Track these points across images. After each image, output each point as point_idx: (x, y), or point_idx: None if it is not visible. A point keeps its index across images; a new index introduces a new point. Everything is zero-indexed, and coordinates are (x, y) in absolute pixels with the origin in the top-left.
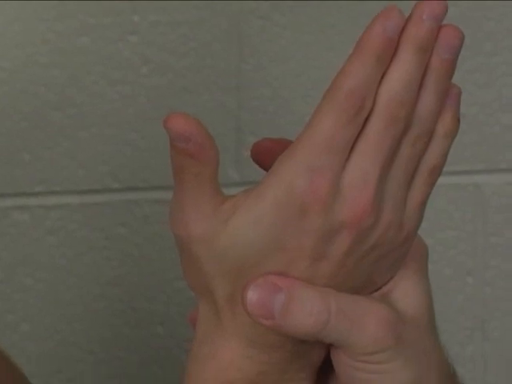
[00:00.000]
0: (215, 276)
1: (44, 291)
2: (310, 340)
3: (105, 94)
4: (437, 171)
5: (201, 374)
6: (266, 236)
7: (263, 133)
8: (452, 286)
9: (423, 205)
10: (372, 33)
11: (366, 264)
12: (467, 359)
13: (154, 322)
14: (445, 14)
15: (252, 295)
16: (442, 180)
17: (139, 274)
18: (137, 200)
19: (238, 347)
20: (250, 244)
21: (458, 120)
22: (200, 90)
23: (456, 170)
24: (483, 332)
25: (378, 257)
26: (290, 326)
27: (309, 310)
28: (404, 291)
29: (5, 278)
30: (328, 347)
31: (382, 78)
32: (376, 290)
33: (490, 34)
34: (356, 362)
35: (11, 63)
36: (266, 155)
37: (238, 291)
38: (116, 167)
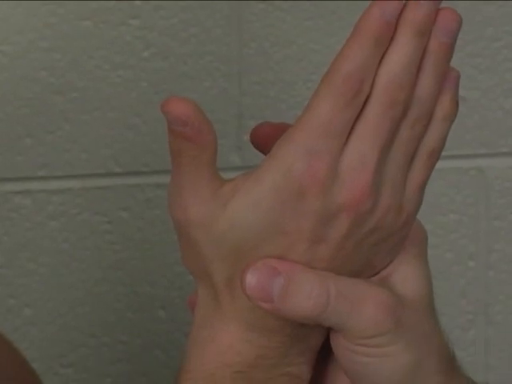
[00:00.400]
0: (214, 260)
1: (46, 276)
2: (309, 324)
3: (107, 78)
4: (436, 154)
5: (200, 358)
6: (264, 219)
7: (265, 117)
8: (454, 271)
9: (422, 188)
10: (370, 16)
11: (365, 247)
12: (469, 343)
13: (156, 305)
14: None
15: (251, 278)
16: (444, 164)
17: (141, 258)
18: (139, 184)
19: (237, 331)
20: (248, 227)
21: (457, 103)
22: (202, 76)
23: (458, 153)
24: (486, 316)
25: (377, 240)
26: (289, 310)
27: (308, 293)
28: (403, 275)
29: (7, 263)
30: (327, 331)
31: (381, 61)
32: (375, 275)
33: (491, 20)
34: (355, 346)
35: (13, 48)
36: (266, 139)
37: (236, 275)
38: (118, 151)
